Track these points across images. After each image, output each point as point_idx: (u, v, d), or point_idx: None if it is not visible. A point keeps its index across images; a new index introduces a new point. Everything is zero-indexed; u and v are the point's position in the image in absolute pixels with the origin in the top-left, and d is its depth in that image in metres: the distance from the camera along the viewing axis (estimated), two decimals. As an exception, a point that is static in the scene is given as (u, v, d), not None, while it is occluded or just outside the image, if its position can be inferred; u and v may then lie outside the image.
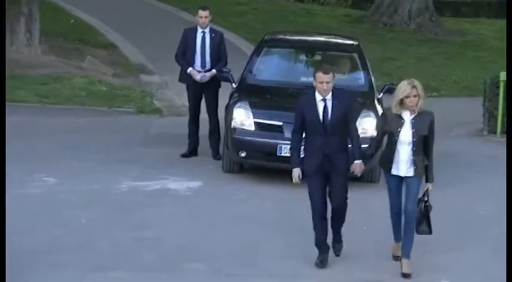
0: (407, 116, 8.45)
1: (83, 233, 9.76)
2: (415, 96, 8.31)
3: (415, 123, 8.43)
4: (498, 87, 15.32)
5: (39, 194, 11.13)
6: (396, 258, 8.96)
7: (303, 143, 8.82)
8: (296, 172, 8.71)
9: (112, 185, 11.42)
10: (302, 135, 8.72)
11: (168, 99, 16.59)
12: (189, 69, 12.77)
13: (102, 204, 10.73)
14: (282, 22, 24.84)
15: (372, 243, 9.53)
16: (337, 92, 8.64)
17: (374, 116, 11.97)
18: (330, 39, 14.94)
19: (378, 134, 9.01)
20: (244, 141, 11.80)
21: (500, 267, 8.88)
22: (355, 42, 14.02)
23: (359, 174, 8.99)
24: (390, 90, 13.08)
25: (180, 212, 10.53)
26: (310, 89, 12.47)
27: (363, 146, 11.56)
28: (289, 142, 11.47)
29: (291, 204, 10.55)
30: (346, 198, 8.81)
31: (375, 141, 8.98)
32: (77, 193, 11.13)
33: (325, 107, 8.52)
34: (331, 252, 9.05)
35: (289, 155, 11.35)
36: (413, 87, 8.31)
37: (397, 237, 8.93)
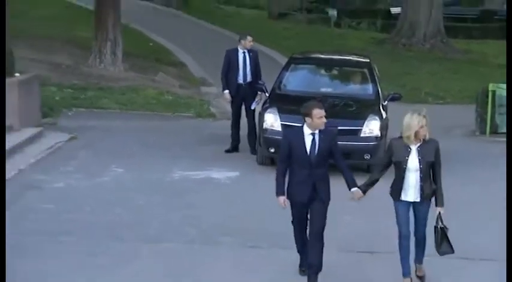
0: (413, 145, 7.50)
1: (139, 212, 9.84)
2: (425, 125, 7.44)
3: (421, 151, 7.49)
4: (487, 96, 15.28)
5: (108, 181, 11.25)
6: None
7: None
8: (281, 199, 7.56)
9: (167, 174, 11.48)
10: (287, 165, 7.57)
11: (221, 106, 16.56)
12: (225, 91, 13.02)
13: (157, 190, 10.77)
14: (319, 44, 24.65)
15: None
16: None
17: (379, 120, 12.05)
18: (346, 57, 14.83)
19: (380, 165, 7.85)
20: (273, 139, 11.74)
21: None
22: (366, 60, 13.92)
23: (358, 199, 7.70)
24: (394, 99, 13.15)
25: (219, 196, 10.59)
26: (329, 97, 12.76)
27: (368, 143, 11.90)
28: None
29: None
30: (324, 224, 7.60)
31: (377, 172, 7.76)
32: (138, 181, 11.20)
33: (313, 141, 7.41)
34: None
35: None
36: (424, 116, 7.41)
37: (405, 269, 7.69)
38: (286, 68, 13.39)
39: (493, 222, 9.64)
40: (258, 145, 12.35)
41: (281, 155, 7.64)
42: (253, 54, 13.04)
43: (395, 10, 31.25)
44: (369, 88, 13.04)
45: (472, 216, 10.16)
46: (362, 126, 11.91)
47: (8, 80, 13.58)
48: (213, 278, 7.95)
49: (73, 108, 15.82)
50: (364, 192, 7.62)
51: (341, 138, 11.58)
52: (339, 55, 15.34)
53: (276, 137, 11.63)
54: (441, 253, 7.64)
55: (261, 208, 9.86)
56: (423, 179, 7.52)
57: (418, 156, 7.49)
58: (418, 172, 7.50)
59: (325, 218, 7.57)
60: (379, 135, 11.92)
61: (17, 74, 14.06)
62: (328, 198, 7.59)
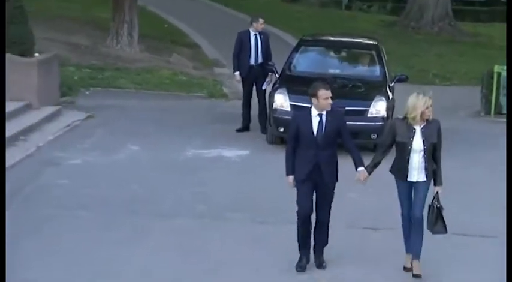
0: (417, 126, 7.22)
1: (153, 189, 9.87)
2: (431, 105, 7.17)
3: (424, 132, 7.21)
4: (492, 77, 15.18)
5: (124, 159, 11.27)
6: (407, 269, 7.51)
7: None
8: (290, 179, 7.44)
9: (181, 153, 11.50)
10: (295, 146, 7.40)
11: (233, 87, 16.41)
12: (236, 73, 12.99)
13: (171, 167, 10.79)
14: (330, 26, 24.45)
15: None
16: (330, 109, 7.35)
17: (385, 101, 12.02)
18: (354, 40, 14.71)
19: (383, 145, 7.50)
20: (282, 119, 11.72)
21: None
22: (374, 42, 13.85)
23: (364, 181, 7.48)
24: (400, 80, 13.08)
25: (230, 174, 10.60)
26: (337, 78, 12.71)
27: (374, 123, 11.85)
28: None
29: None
30: (330, 208, 7.52)
31: (380, 154, 7.43)
32: (152, 158, 11.21)
33: (320, 122, 7.22)
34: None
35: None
36: (430, 98, 7.15)
37: (408, 246, 7.50)
38: (296, 49, 13.33)
39: (494, 200, 9.63)
40: (268, 124, 12.33)
41: (289, 136, 7.50)
42: (264, 36, 12.98)
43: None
44: (376, 70, 12.98)
45: (475, 194, 10.16)
46: (369, 107, 11.87)
47: (27, 60, 13.64)
48: (222, 252, 7.99)
49: (90, 88, 15.79)
50: (369, 173, 7.42)
51: (348, 118, 11.47)
52: (347, 37, 15.22)
53: (286, 117, 11.66)
54: (434, 232, 7.36)
55: (270, 185, 9.87)
56: (427, 159, 7.26)
57: (422, 137, 7.22)
58: (422, 152, 7.24)
59: (330, 202, 7.44)
60: (386, 115, 11.88)
61: (36, 54, 14.06)
62: (334, 180, 7.42)
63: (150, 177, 10.30)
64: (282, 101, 11.95)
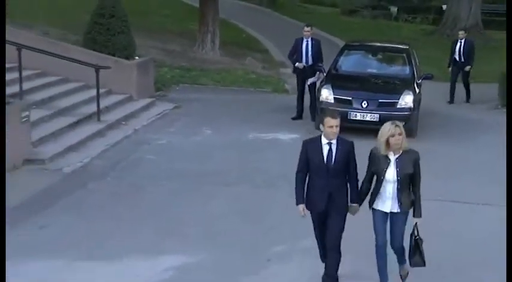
0: (392, 156, 5.87)
1: (220, 164, 9.94)
2: (399, 134, 5.78)
3: (399, 162, 5.84)
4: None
5: (200, 140, 11.41)
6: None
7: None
8: (300, 208, 6.05)
9: (244, 135, 11.57)
10: (306, 175, 6.06)
11: (293, 84, 16.11)
12: (297, 64, 12.95)
13: (235, 147, 10.85)
14: (379, 34, 24.11)
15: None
16: (340, 138, 6.01)
17: (412, 94, 11.89)
18: (389, 45, 14.55)
19: (366, 175, 6.06)
20: (327, 109, 11.67)
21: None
22: (406, 46, 13.65)
23: (353, 215, 6.10)
24: (426, 78, 12.94)
25: (283, 153, 10.56)
26: (373, 76, 12.67)
27: (403, 112, 11.71)
28: (355, 111, 11.67)
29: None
30: (340, 235, 6.05)
31: (366, 182, 6.04)
32: (222, 140, 11.30)
33: (329, 150, 5.92)
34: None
35: (355, 118, 11.60)
36: (397, 126, 5.81)
37: (382, 278, 6.08)
38: (340, 53, 13.30)
39: (501, 178, 9.41)
40: (316, 114, 12.35)
41: (299, 164, 6.08)
42: (315, 42, 12.95)
43: (445, 7, 30.40)
44: (406, 69, 12.83)
45: (486, 172, 10.01)
46: (398, 99, 11.76)
47: (129, 62, 14.06)
48: (276, 215, 7.92)
49: (180, 84, 16.00)
50: (359, 205, 6.11)
51: (381, 108, 11.69)
52: (383, 43, 15.06)
53: (330, 107, 11.62)
54: (413, 264, 6.02)
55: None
56: (400, 190, 5.87)
57: (396, 167, 5.85)
58: (396, 184, 5.87)
59: (341, 228, 6.03)
60: (412, 106, 11.77)
61: (136, 58, 14.48)
62: (345, 208, 6.05)
63: (219, 155, 10.39)
64: (327, 94, 11.94)
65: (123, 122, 12.16)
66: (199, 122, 12.51)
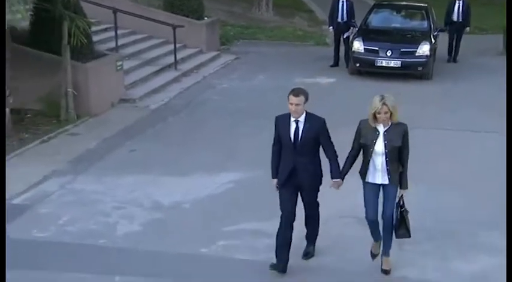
0: (381, 128, 4.74)
1: (269, 103, 9.32)
2: (385, 113, 4.66)
3: (387, 135, 4.72)
4: (510, 27, 14.12)
5: (255, 84, 11.41)
6: (374, 256, 5.10)
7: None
8: (274, 182, 4.91)
9: (290, 80, 11.31)
10: (279, 148, 4.87)
11: (332, 38, 16.19)
12: (330, 27, 12.86)
13: (283, 89, 9.69)
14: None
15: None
16: (310, 116, 4.82)
17: (429, 44, 11.64)
18: (411, 3, 14.07)
19: (352, 149, 4.88)
20: (358, 58, 11.69)
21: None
22: (425, 5, 13.25)
23: (338, 188, 4.88)
24: (441, 30, 12.72)
25: (322, 94, 10.14)
26: (396, 29, 12.46)
27: (421, 60, 11.49)
28: (381, 58, 11.59)
29: (383, 91, 9.64)
30: (317, 207, 5.03)
31: (350, 157, 4.88)
32: (272, 84, 11.23)
33: (296, 128, 4.74)
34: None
35: (381, 65, 11.50)
36: (384, 104, 4.64)
37: (375, 237, 5.02)
38: (370, 11, 13.09)
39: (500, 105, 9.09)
40: (350, 62, 12.23)
41: (274, 138, 4.92)
42: (349, 2, 12.73)
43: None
44: (424, 23, 12.55)
45: (490, 104, 9.81)
46: (417, 48, 11.55)
47: (200, 22, 14.12)
48: None
49: (240, 40, 15.96)
50: (342, 180, 4.90)
51: (403, 56, 11.58)
52: (406, 2, 14.51)
53: (360, 56, 11.70)
54: (398, 236, 4.92)
55: (348, 99, 9.97)
56: (389, 162, 4.75)
57: (384, 140, 4.74)
58: (384, 156, 4.75)
59: (314, 207, 5.02)
60: (429, 54, 11.55)
61: (205, 18, 14.54)
62: (314, 188, 4.90)
63: (269, 96, 10.35)
64: (358, 45, 11.80)
65: (195, 71, 12.37)
66: (255, 70, 12.53)
